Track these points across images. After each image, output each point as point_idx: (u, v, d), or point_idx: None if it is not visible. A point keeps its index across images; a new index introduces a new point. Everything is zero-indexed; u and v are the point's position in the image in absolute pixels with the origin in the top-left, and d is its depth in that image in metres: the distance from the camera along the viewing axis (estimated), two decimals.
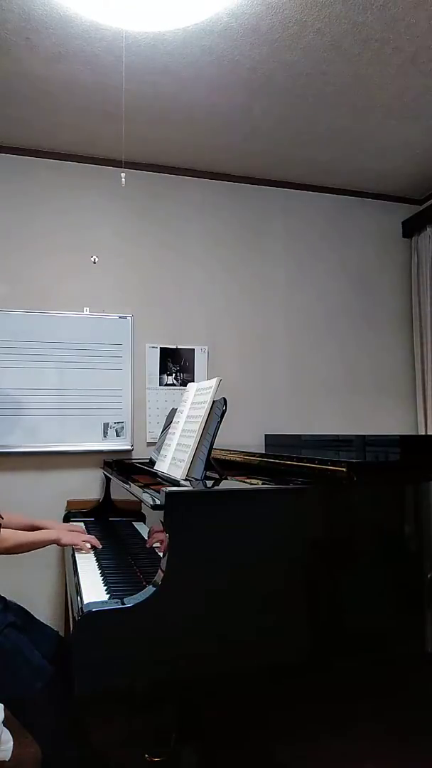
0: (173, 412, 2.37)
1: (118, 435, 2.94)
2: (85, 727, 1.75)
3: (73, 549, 2.12)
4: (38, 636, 1.92)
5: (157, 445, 2.43)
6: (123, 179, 2.44)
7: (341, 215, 3.46)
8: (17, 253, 2.91)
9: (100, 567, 1.87)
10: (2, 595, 1.98)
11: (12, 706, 1.70)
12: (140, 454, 2.95)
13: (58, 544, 2.02)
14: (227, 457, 2.22)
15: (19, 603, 2.04)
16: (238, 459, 2.14)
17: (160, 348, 3.07)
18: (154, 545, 2.17)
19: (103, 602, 1.37)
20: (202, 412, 1.80)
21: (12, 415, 2.78)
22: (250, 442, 3.09)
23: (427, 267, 3.36)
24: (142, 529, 2.59)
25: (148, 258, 3.11)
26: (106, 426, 2.92)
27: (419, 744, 1.82)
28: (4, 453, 2.78)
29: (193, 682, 1.37)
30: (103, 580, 1.72)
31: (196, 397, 1.97)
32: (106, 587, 1.63)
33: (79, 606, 1.43)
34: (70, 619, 1.51)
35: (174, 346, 3.10)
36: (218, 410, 1.73)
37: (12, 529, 1.96)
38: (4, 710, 1.77)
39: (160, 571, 1.34)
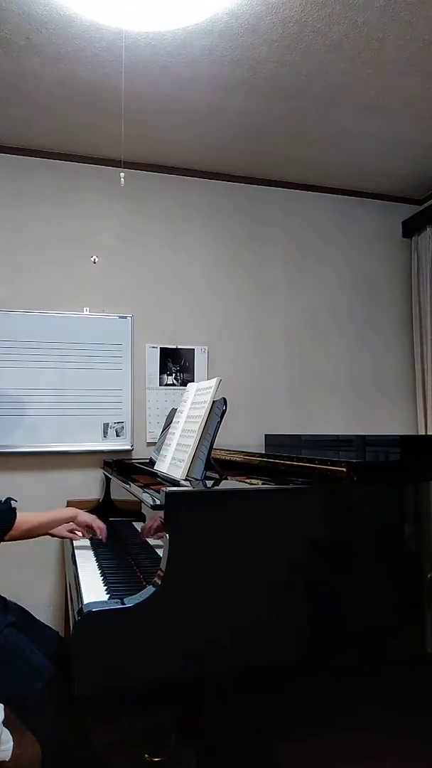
0: (173, 412, 2.37)
1: (118, 435, 2.94)
2: (85, 727, 1.75)
3: (73, 549, 2.12)
4: (38, 636, 1.92)
5: (157, 445, 2.43)
6: (122, 179, 2.44)
7: (341, 215, 3.46)
8: (17, 253, 2.91)
9: (100, 567, 1.87)
10: (2, 595, 1.98)
11: (12, 706, 1.70)
12: (140, 454, 2.95)
13: (74, 522, 2.05)
14: (227, 457, 2.22)
15: (19, 603, 2.04)
16: (238, 459, 2.14)
17: (160, 348, 3.07)
18: (153, 544, 2.18)
19: (103, 602, 1.37)
20: (202, 412, 1.80)
21: (12, 415, 2.78)
22: (250, 442, 3.08)
23: (427, 267, 3.36)
24: (142, 529, 2.59)
25: (148, 258, 3.11)
26: (106, 426, 2.92)
27: (419, 744, 1.82)
28: (4, 453, 2.78)
29: (193, 682, 1.37)
30: (103, 580, 1.72)
31: (196, 397, 1.97)
32: (106, 587, 1.63)
33: (79, 606, 1.43)
34: (70, 619, 1.51)
35: (174, 346, 3.10)
36: (218, 410, 1.72)
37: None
38: (4, 710, 1.77)
39: (160, 571, 1.34)
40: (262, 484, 1.67)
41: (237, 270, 3.25)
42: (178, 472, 1.78)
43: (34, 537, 1.96)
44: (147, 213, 3.12)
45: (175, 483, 1.67)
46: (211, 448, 1.69)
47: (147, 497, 1.61)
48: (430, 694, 1.76)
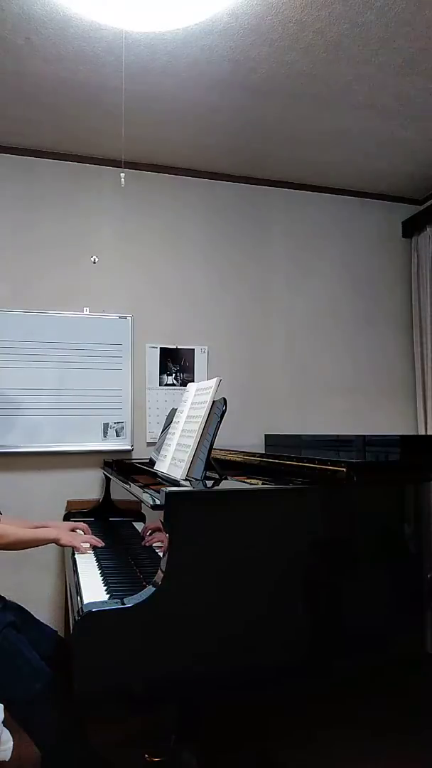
0: (173, 412, 2.37)
1: (118, 435, 2.94)
2: (85, 727, 1.75)
3: (73, 549, 2.12)
4: (38, 636, 1.92)
5: (157, 445, 2.43)
6: (122, 179, 2.44)
7: (341, 215, 3.46)
8: (17, 253, 2.91)
9: (100, 567, 1.87)
10: (2, 594, 1.98)
11: (12, 706, 1.70)
12: (140, 454, 2.95)
13: (57, 544, 2.02)
14: (227, 457, 2.22)
15: (19, 603, 2.04)
16: (238, 459, 2.14)
17: (160, 348, 3.07)
18: (154, 545, 2.17)
19: (103, 602, 1.37)
20: (202, 412, 1.80)
21: (12, 415, 2.78)
22: (250, 442, 3.09)
23: (427, 267, 3.36)
24: (142, 529, 2.59)
25: (148, 258, 3.11)
26: (106, 426, 2.92)
27: (419, 744, 1.82)
28: (4, 453, 2.78)
29: (193, 682, 1.37)
30: (103, 580, 1.71)
31: (196, 397, 1.97)
32: (106, 587, 1.63)
33: (79, 606, 1.43)
34: (70, 619, 1.51)
35: (174, 346, 3.10)
36: (218, 410, 1.72)
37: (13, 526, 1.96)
38: (4, 710, 1.77)
39: (160, 571, 1.34)
40: (262, 484, 1.67)
41: (237, 270, 3.25)
42: (178, 472, 1.78)
43: (13, 550, 1.92)
44: (147, 213, 3.12)
45: (175, 483, 1.67)
46: (211, 448, 1.69)
47: (147, 497, 1.61)
48: (430, 694, 1.76)
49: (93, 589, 1.61)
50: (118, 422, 2.94)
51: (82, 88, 2.45)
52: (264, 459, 1.98)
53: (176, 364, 3.09)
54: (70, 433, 2.86)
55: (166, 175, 3.15)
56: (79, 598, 1.56)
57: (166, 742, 1.64)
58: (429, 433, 3.35)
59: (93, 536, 2.11)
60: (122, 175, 2.48)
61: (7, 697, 1.69)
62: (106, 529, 2.55)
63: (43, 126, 2.75)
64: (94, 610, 1.30)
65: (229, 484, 1.68)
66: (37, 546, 1.98)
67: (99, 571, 1.82)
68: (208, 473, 1.70)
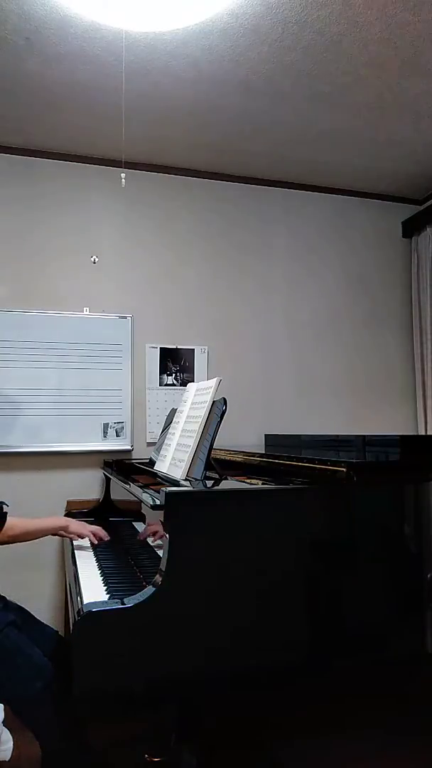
0: (173, 412, 2.37)
1: (118, 435, 2.94)
2: (85, 727, 1.75)
3: (73, 548, 2.12)
4: (38, 635, 1.92)
5: (157, 445, 2.43)
6: (123, 179, 2.44)
7: (341, 215, 3.46)
8: (17, 253, 2.91)
9: (100, 567, 1.87)
10: (2, 594, 1.98)
11: (12, 705, 1.70)
12: (140, 454, 2.95)
13: (65, 532, 2.04)
14: (227, 457, 2.22)
15: (19, 603, 2.04)
16: (238, 459, 2.14)
17: (160, 348, 3.07)
18: (148, 539, 2.18)
19: (103, 602, 1.37)
20: (202, 412, 1.80)
21: (12, 415, 2.78)
22: (250, 442, 3.09)
23: (427, 267, 3.36)
24: (142, 529, 2.59)
25: (148, 258, 3.11)
26: (106, 426, 2.92)
27: (419, 744, 1.82)
28: (4, 453, 2.78)
29: (193, 682, 1.37)
30: (103, 580, 1.72)
31: (196, 397, 1.97)
32: (106, 587, 1.64)
33: (79, 606, 1.43)
34: (70, 619, 1.51)
35: (174, 346, 3.10)
36: (218, 410, 1.72)
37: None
38: (4, 710, 1.77)
39: (160, 571, 1.34)
40: (262, 484, 1.67)
41: (237, 270, 3.25)
42: (178, 472, 1.78)
43: (22, 542, 1.94)
44: (147, 213, 3.12)
45: (175, 483, 1.67)
46: (211, 448, 1.69)
47: (147, 497, 1.61)
48: (430, 694, 1.76)
49: (93, 589, 1.62)
50: (118, 422, 2.94)
51: (82, 88, 2.45)
52: (264, 459, 1.98)
53: (176, 364, 3.09)
54: (70, 433, 2.86)
55: (166, 175, 3.15)
56: (79, 598, 1.56)
57: (166, 742, 1.64)
58: (429, 433, 3.35)
59: (100, 528, 2.12)
60: (122, 175, 2.49)
61: (8, 696, 1.69)
62: (106, 529, 2.55)
63: (43, 126, 2.75)
64: (94, 610, 1.30)
65: (229, 484, 1.68)
66: (46, 535, 2.00)
67: (99, 571, 1.82)
68: (208, 473, 1.70)
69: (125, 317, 3.00)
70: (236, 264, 3.25)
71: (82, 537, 2.08)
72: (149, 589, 1.33)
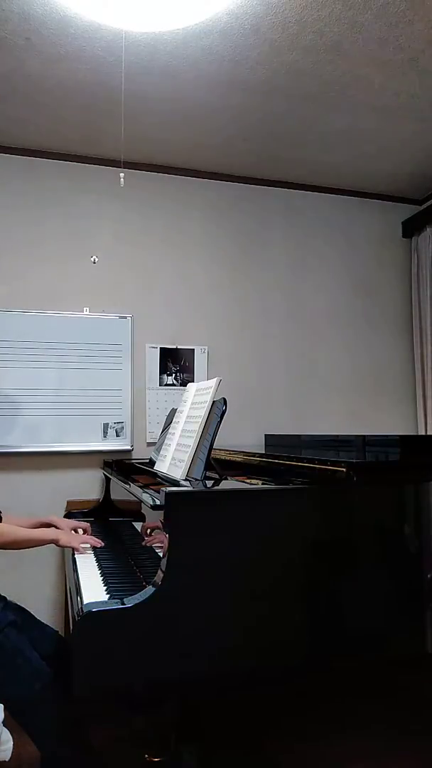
0: (173, 412, 2.37)
1: (118, 435, 2.94)
2: (85, 727, 1.75)
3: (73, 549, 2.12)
4: (38, 635, 1.92)
5: (157, 445, 2.43)
6: (122, 179, 2.44)
7: (341, 215, 3.46)
8: (17, 253, 2.91)
9: (100, 567, 1.87)
10: (2, 594, 1.98)
11: (11, 705, 1.70)
12: (140, 454, 2.95)
13: (56, 545, 2.02)
14: (227, 457, 2.22)
15: (19, 603, 2.04)
16: (238, 459, 2.14)
17: (160, 348, 3.07)
18: (154, 545, 2.17)
19: (103, 602, 1.37)
20: (202, 412, 1.80)
21: (12, 415, 2.78)
22: (250, 442, 3.08)
23: (427, 267, 3.36)
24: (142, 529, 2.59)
25: (148, 258, 3.11)
26: (106, 426, 2.92)
27: (419, 744, 1.82)
28: (4, 453, 2.78)
29: (193, 682, 1.37)
30: (103, 580, 1.71)
31: (196, 398, 1.97)
32: (106, 587, 1.63)
33: (79, 606, 1.43)
34: (70, 619, 1.51)
35: (174, 346, 3.10)
36: (218, 410, 1.72)
37: (12, 524, 1.96)
38: (4, 710, 1.77)
39: (160, 571, 1.34)
40: (262, 484, 1.67)
41: (237, 270, 3.25)
42: (178, 472, 1.78)
43: (11, 549, 1.91)
44: (147, 213, 3.12)
45: (175, 483, 1.67)
46: (211, 448, 1.69)
47: (147, 497, 1.61)
48: (430, 694, 1.76)
49: (93, 589, 1.61)
50: (118, 422, 2.94)
51: (82, 88, 2.45)
52: (264, 459, 1.98)
53: (176, 364, 3.09)
54: (70, 433, 2.86)
55: (166, 175, 3.15)
56: (79, 598, 1.56)
57: (166, 742, 1.64)
58: (429, 433, 3.35)
59: (92, 537, 2.10)
60: (122, 175, 2.48)
61: (7, 697, 1.69)
62: (106, 529, 2.55)
63: (43, 126, 2.74)
64: (94, 610, 1.30)
65: (229, 484, 1.68)
66: (36, 546, 1.98)
67: (99, 571, 1.82)
68: (208, 473, 1.70)
69: (125, 317, 3.00)
70: (236, 264, 3.25)
71: (73, 549, 2.01)
72: (149, 589, 1.33)
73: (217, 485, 1.62)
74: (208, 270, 3.20)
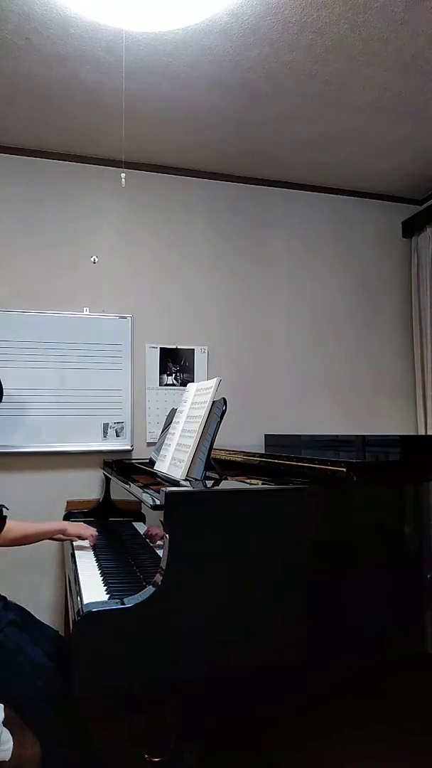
0: (173, 412, 2.37)
1: (118, 435, 2.94)
2: (85, 726, 1.75)
3: (73, 549, 2.12)
4: (38, 635, 1.92)
5: (157, 445, 2.43)
6: (123, 179, 2.44)
7: (341, 215, 3.46)
8: (17, 253, 2.91)
9: (100, 567, 1.87)
10: (3, 594, 1.98)
11: (12, 704, 1.70)
12: (140, 454, 2.95)
13: (63, 535, 2.06)
14: (227, 457, 2.22)
15: (19, 603, 2.04)
16: (238, 459, 2.14)
17: (160, 348, 3.07)
18: (147, 539, 2.19)
19: (103, 602, 1.37)
20: (202, 412, 1.81)
21: (12, 415, 2.78)
22: (250, 442, 3.09)
23: (427, 267, 3.36)
24: (142, 529, 2.60)
25: (148, 258, 3.11)
26: (106, 426, 2.92)
27: (419, 744, 1.82)
28: (4, 453, 2.78)
29: (193, 682, 1.37)
30: (103, 580, 1.72)
31: (195, 398, 1.97)
32: (106, 587, 1.64)
33: (79, 606, 1.43)
34: (70, 619, 1.51)
35: (174, 346, 3.10)
36: (218, 410, 1.72)
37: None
38: (4, 710, 1.77)
39: (160, 571, 1.34)
40: (262, 484, 1.67)
41: (237, 270, 3.25)
42: (178, 472, 1.78)
43: (20, 545, 1.96)
44: (147, 213, 3.12)
45: (175, 483, 1.67)
46: (211, 448, 1.69)
47: (147, 497, 1.61)
48: (430, 694, 1.76)
49: (93, 589, 1.62)
50: (118, 422, 2.94)
51: (82, 88, 2.45)
52: (264, 459, 1.98)
53: (176, 364, 3.09)
54: (70, 433, 2.86)
55: (166, 175, 3.15)
56: (79, 598, 1.56)
57: (166, 742, 1.64)
58: (429, 433, 3.35)
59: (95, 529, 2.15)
60: (123, 175, 2.49)
61: (9, 695, 1.69)
62: (106, 529, 2.55)
63: (44, 126, 2.74)
64: (94, 610, 1.30)
65: (229, 484, 1.68)
66: (44, 539, 2.03)
67: (99, 571, 1.82)
68: (208, 473, 1.70)
69: (125, 317, 3.00)
70: (236, 264, 3.25)
71: (82, 538, 2.10)
72: (149, 589, 1.33)
73: (217, 485, 1.62)
74: (208, 270, 3.20)
